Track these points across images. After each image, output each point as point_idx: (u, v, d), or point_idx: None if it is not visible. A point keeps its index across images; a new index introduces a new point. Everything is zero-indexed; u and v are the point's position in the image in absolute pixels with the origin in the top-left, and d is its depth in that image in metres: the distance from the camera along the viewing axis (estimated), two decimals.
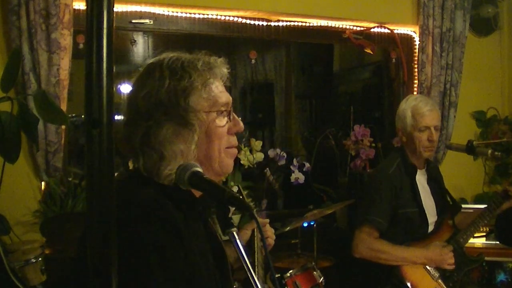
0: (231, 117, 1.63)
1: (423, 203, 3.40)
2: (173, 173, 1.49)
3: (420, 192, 3.42)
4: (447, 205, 3.57)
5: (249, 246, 2.45)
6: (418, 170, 3.45)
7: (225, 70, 1.65)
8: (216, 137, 1.58)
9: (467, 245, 3.47)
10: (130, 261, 1.33)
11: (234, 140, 1.64)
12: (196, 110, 1.55)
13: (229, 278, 1.70)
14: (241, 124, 1.65)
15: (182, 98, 1.54)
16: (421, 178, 3.48)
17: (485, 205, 3.54)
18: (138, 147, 1.53)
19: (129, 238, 1.35)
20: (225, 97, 1.62)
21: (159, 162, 1.53)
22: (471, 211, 3.84)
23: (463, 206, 3.95)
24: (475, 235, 3.62)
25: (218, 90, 1.61)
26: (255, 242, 2.44)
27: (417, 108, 3.38)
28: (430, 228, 3.43)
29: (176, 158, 1.52)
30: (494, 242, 4.21)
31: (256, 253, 2.39)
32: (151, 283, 1.35)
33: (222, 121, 1.60)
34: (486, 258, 3.72)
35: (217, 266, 1.63)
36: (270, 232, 2.46)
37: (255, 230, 2.44)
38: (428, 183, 3.52)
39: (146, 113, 1.53)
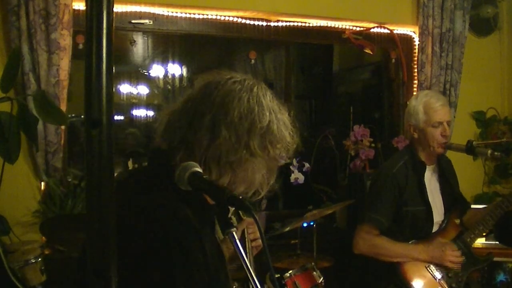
0: None
1: (431, 201, 3.38)
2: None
3: (428, 190, 3.38)
4: (456, 203, 3.55)
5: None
6: (427, 166, 3.43)
7: None
8: None
9: None
10: (155, 262, 1.37)
11: None
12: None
13: (229, 279, 1.71)
14: None
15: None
16: (430, 175, 3.45)
17: (485, 205, 3.53)
18: (209, 159, 1.52)
19: (154, 241, 1.38)
20: None
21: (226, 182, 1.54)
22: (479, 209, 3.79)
23: None
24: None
25: None
26: (246, 243, 2.43)
27: (429, 103, 3.35)
28: (435, 227, 3.40)
29: (239, 183, 1.57)
30: (494, 242, 4.21)
31: (248, 254, 2.37)
32: (158, 280, 1.37)
33: None
34: None
35: (220, 267, 1.64)
36: (258, 233, 2.45)
37: (245, 231, 2.43)
38: (438, 179, 3.49)
39: (241, 137, 1.52)
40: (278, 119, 1.59)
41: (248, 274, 1.38)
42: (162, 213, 1.44)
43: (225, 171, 1.52)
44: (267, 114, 1.55)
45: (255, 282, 1.39)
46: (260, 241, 2.42)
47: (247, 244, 2.41)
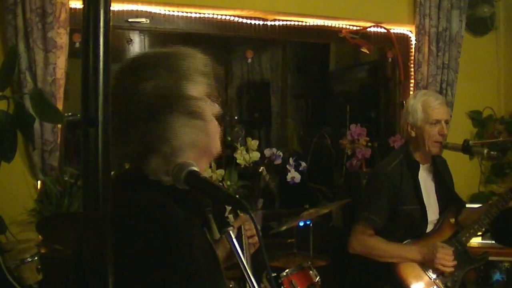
0: None
1: (425, 200, 3.37)
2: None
3: (422, 189, 3.38)
4: (451, 202, 3.55)
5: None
6: (421, 165, 3.42)
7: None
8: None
9: None
10: (155, 262, 1.38)
11: None
12: (199, 99, 1.54)
13: (223, 278, 1.71)
14: None
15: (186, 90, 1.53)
16: (425, 174, 3.44)
17: (481, 204, 3.54)
18: (145, 145, 1.49)
19: (154, 241, 1.38)
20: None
21: (171, 155, 1.49)
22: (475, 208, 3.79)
23: None
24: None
25: None
26: (243, 240, 2.42)
27: (427, 102, 3.36)
28: (430, 226, 3.39)
29: (189, 149, 1.51)
30: (489, 242, 4.22)
31: (245, 252, 2.37)
32: (158, 280, 1.37)
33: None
34: None
35: (214, 266, 1.64)
36: (254, 230, 2.44)
37: (242, 228, 2.43)
38: (433, 178, 3.48)
39: (153, 108, 1.48)
40: (182, 67, 1.57)
41: (245, 273, 1.38)
42: (162, 213, 1.44)
43: (153, 151, 1.49)
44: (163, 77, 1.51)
45: (251, 281, 1.39)
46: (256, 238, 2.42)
47: (244, 241, 2.41)
